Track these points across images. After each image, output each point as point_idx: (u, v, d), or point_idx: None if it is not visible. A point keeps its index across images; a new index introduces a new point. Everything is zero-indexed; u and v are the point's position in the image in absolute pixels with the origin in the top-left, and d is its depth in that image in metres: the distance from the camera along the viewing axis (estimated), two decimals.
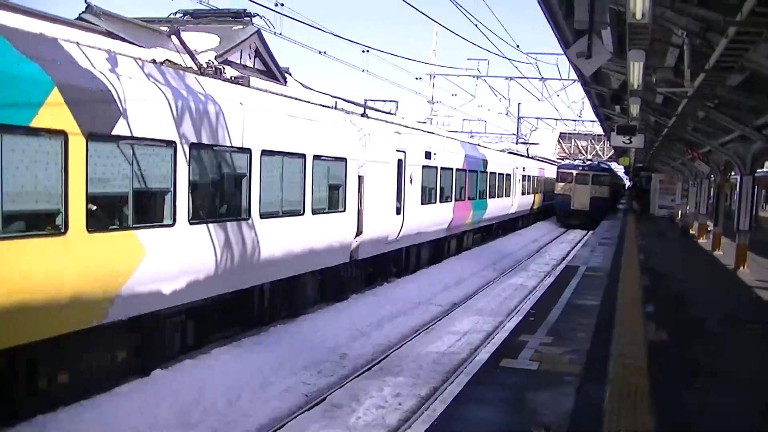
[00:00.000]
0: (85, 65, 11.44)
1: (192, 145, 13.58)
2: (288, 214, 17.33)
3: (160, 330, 13.78)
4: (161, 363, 13.80)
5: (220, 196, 15.07)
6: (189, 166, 13.55)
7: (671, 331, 15.62)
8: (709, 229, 38.00)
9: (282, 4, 21.82)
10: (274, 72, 26.71)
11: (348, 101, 25.73)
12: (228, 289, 15.29)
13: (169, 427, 11.47)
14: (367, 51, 33.62)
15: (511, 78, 55.83)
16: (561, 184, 58.99)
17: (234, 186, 15.42)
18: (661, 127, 29.51)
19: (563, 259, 36.14)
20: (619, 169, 78.57)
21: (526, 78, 53.28)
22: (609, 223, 51.95)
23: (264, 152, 16.00)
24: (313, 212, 18.46)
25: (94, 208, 11.33)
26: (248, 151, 15.48)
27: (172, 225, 13.19)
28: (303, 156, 17.90)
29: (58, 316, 10.79)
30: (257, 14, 24.03)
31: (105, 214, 11.76)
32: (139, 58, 13.18)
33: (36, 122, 10.24)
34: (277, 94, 17.99)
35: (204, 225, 14.05)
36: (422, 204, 27.20)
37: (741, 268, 25.84)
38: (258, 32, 25.38)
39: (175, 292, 13.37)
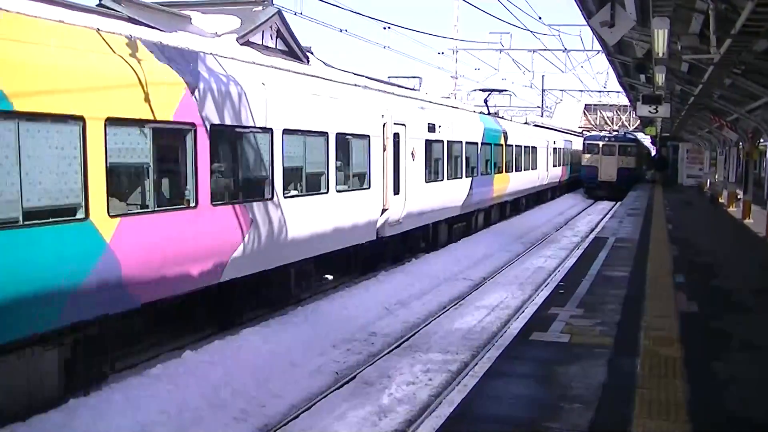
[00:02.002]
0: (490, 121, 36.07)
1: (514, 145, 38.97)
2: (526, 170, 42.09)
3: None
4: (190, 344, 13.96)
5: (518, 161, 39.72)
6: (523, 154, 41.67)
7: (702, 301, 15.50)
8: (738, 197, 37.67)
9: None
10: (296, 52, 26.63)
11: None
12: (519, 195, 42.38)
13: (198, 409, 11.51)
14: (389, 27, 33.22)
15: (534, 50, 55.50)
16: (587, 156, 58.76)
17: (518, 158, 40.03)
18: (687, 96, 29.22)
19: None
20: (645, 139, 77.94)
21: (550, 50, 52.98)
22: (636, 194, 51.66)
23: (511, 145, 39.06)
24: (531, 170, 44.08)
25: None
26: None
27: (510, 172, 38.27)
28: (529, 146, 43.15)
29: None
30: None
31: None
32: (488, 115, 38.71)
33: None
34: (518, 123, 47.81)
35: (519, 172, 39.89)
36: (553, 166, 52.17)
37: None
38: (279, 12, 25.29)
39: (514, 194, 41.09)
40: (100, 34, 11.51)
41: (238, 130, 14.54)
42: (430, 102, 28.51)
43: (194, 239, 13.06)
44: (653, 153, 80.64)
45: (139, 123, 11.84)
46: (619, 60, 27.39)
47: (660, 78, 21.38)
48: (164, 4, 22.58)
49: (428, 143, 25.27)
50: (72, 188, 10.54)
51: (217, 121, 13.72)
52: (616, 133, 65.96)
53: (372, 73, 24.79)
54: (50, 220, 10.16)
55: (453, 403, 9.55)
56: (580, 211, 51.57)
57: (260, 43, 24.08)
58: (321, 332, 15.85)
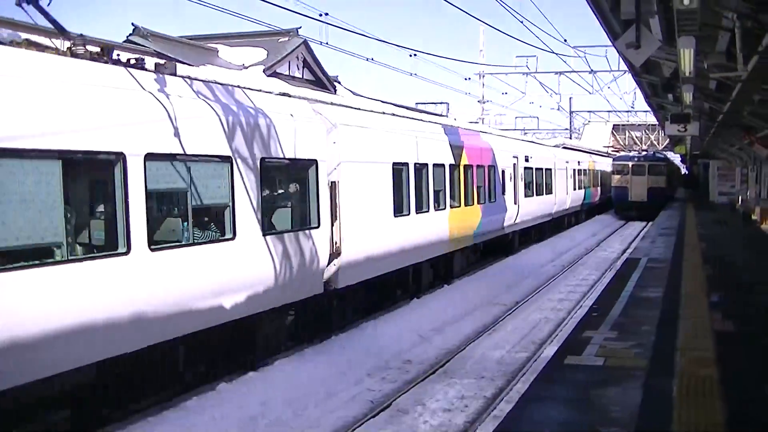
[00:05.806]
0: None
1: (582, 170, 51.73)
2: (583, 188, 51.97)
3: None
4: (226, 376, 14.00)
5: (586, 180, 52.92)
6: (598, 176, 59.27)
7: (738, 320, 15.33)
8: None
9: (327, 14, 21.83)
10: (323, 81, 26.83)
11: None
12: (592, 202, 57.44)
13: None
14: (415, 55, 33.28)
15: (560, 73, 55.63)
16: (617, 177, 58.52)
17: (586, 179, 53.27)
18: (716, 113, 29.04)
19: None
20: (675, 157, 77.55)
21: (576, 72, 53.01)
22: (668, 213, 51.34)
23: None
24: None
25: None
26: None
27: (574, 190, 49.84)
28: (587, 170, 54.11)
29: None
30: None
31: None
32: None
33: None
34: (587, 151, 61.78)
35: (583, 190, 51.70)
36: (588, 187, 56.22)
37: None
38: (305, 43, 25.51)
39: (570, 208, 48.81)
40: None
41: None
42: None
43: None
44: (684, 171, 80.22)
45: None
46: (647, 80, 27.30)
47: (688, 97, 21.27)
48: (190, 37, 22.87)
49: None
50: None
51: None
52: (645, 152, 65.68)
53: (400, 100, 24.69)
54: None
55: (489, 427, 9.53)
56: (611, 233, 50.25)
57: (287, 73, 24.32)
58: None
